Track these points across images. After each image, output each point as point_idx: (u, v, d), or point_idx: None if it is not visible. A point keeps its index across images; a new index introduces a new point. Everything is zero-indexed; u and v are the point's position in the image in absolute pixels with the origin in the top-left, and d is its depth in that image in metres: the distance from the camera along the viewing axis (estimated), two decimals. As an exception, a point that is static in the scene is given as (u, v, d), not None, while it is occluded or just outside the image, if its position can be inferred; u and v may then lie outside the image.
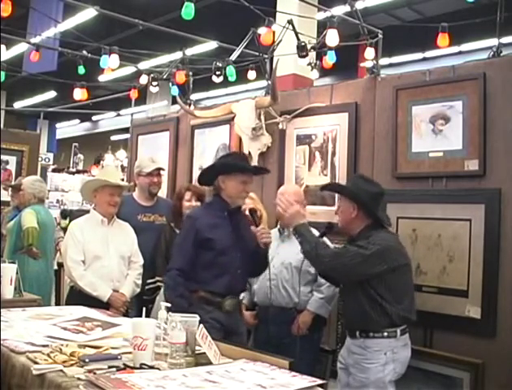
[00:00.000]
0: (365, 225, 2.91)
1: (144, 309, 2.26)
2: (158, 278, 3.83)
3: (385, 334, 2.76)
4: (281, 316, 3.38)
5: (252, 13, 5.24)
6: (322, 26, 6.07)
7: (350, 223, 2.95)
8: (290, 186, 3.84)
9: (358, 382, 2.80)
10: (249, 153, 4.20)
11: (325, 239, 3.39)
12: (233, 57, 5.69)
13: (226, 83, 6.45)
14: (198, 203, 3.90)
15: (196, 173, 4.93)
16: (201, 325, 2.12)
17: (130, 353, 2.07)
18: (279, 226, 3.59)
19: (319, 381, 1.88)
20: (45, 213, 5.06)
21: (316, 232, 3.39)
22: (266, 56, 5.23)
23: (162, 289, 3.72)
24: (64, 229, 6.26)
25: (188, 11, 4.54)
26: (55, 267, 5.64)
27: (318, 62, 5.85)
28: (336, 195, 3.43)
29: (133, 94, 7.41)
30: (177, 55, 7.09)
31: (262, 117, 4.22)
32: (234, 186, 3.08)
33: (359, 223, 2.91)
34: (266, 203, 3.95)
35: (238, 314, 3.18)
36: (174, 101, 10.36)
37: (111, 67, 6.20)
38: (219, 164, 3.23)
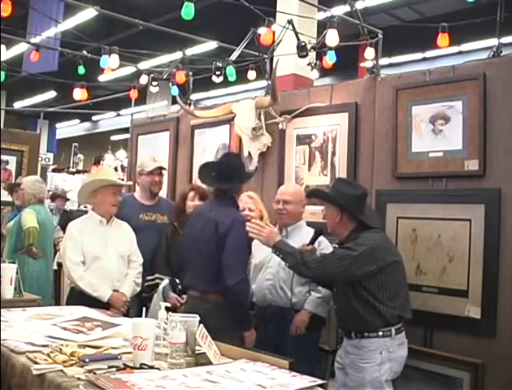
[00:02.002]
0: (352, 228, 2.91)
1: (144, 309, 2.26)
2: (157, 275, 3.84)
3: (380, 333, 2.76)
4: (279, 316, 3.38)
5: (252, 13, 5.24)
6: (322, 26, 6.08)
7: (337, 227, 2.96)
8: (287, 185, 3.84)
9: (355, 382, 2.80)
10: (249, 153, 4.20)
11: (323, 239, 3.41)
12: (233, 57, 5.68)
13: (226, 83, 6.44)
14: (201, 202, 3.91)
15: (196, 173, 4.92)
16: (201, 325, 2.12)
17: (130, 353, 2.07)
18: (277, 226, 3.59)
19: (319, 381, 1.89)
20: (44, 213, 5.06)
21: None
22: (266, 56, 5.23)
23: (160, 287, 3.73)
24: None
25: (188, 11, 4.54)
26: (54, 267, 5.63)
27: (318, 62, 5.85)
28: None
29: (133, 94, 7.41)
30: (177, 55, 7.09)
31: (262, 117, 4.22)
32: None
33: (345, 227, 2.92)
34: (266, 202, 3.95)
35: None
36: (174, 101, 10.36)
37: (111, 67, 6.20)
38: (249, 174, 3.50)
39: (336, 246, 3.16)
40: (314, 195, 3.29)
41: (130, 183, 4.32)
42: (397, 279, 2.84)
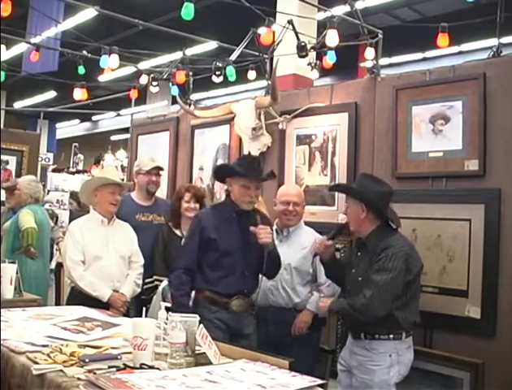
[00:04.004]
0: (375, 227, 2.86)
1: (144, 309, 2.27)
2: (156, 277, 3.83)
3: (391, 336, 2.74)
4: (281, 316, 3.38)
5: (252, 13, 5.23)
6: (322, 26, 6.07)
7: (360, 224, 2.89)
8: (290, 186, 3.83)
9: (362, 383, 2.78)
10: (249, 153, 4.19)
11: (320, 236, 3.41)
12: (233, 57, 5.68)
13: (226, 83, 6.44)
14: (197, 205, 3.90)
15: (196, 173, 4.93)
16: (201, 325, 2.12)
17: (130, 353, 2.07)
18: (276, 227, 3.58)
19: (319, 381, 1.89)
20: (41, 213, 5.07)
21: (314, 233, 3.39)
22: (266, 56, 5.23)
23: (159, 288, 3.72)
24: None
25: (187, 11, 4.53)
26: (52, 267, 5.63)
27: (318, 62, 5.85)
28: (344, 196, 3.39)
29: (133, 94, 7.41)
30: (177, 55, 7.08)
31: (262, 117, 4.21)
32: (237, 190, 3.15)
33: (369, 224, 2.87)
34: (266, 203, 3.95)
35: (246, 315, 3.18)
36: (174, 101, 10.34)
37: (111, 67, 6.20)
38: (225, 166, 3.32)
39: (339, 247, 3.16)
40: (338, 189, 3.25)
41: (131, 183, 4.29)
42: (417, 285, 2.83)
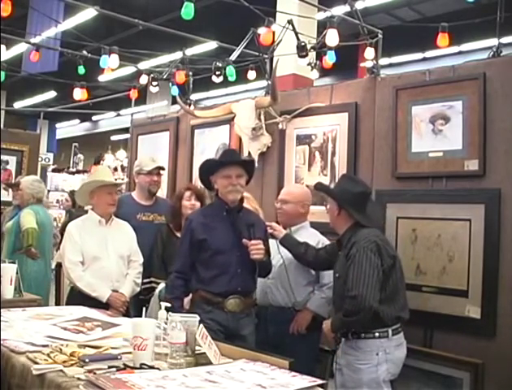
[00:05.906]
0: (350, 225, 2.90)
1: (144, 309, 2.27)
2: (153, 278, 3.82)
3: (376, 334, 2.74)
4: (280, 316, 3.38)
5: (252, 13, 5.23)
6: (322, 26, 6.07)
7: (335, 222, 2.99)
8: (292, 186, 3.82)
9: (352, 382, 2.78)
10: (249, 153, 4.20)
11: (323, 238, 3.42)
12: (233, 57, 5.69)
13: (226, 83, 6.45)
14: (198, 203, 3.89)
15: (196, 173, 4.92)
16: (201, 325, 2.12)
17: (130, 353, 2.07)
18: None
19: (319, 381, 1.89)
20: (43, 213, 5.05)
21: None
22: (266, 56, 5.23)
23: (156, 291, 3.72)
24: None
25: (187, 11, 4.53)
26: (52, 267, 5.63)
27: (318, 62, 5.86)
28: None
29: (133, 94, 7.42)
30: (177, 55, 7.09)
31: (262, 117, 4.21)
32: (220, 183, 3.11)
33: (343, 222, 2.93)
34: (266, 202, 3.95)
35: (243, 316, 3.14)
36: (174, 101, 10.36)
37: (111, 67, 6.20)
38: (202, 165, 3.25)
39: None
40: (317, 188, 3.31)
41: (124, 181, 4.24)
42: (395, 278, 2.81)
